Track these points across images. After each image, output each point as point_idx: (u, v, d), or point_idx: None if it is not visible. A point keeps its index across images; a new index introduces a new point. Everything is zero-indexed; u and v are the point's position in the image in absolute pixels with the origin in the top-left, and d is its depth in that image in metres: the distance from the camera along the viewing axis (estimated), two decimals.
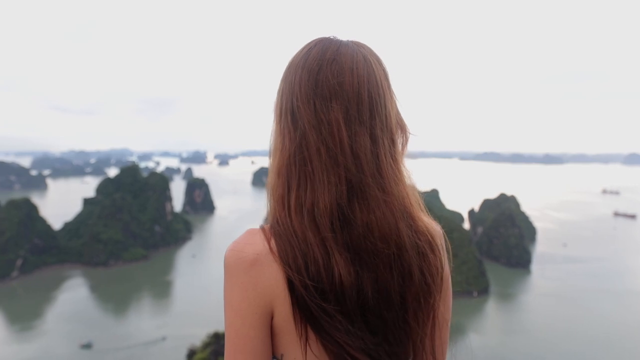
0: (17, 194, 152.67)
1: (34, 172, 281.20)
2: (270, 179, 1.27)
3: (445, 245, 1.36)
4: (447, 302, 1.36)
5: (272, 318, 1.18)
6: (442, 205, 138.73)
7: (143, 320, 78.72)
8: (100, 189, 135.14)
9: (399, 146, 1.29)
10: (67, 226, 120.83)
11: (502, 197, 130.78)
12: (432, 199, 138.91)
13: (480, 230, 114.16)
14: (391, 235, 1.17)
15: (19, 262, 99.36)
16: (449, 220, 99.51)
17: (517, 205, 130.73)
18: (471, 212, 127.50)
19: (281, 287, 1.14)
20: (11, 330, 75.16)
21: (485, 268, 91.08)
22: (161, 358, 63.70)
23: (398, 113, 1.31)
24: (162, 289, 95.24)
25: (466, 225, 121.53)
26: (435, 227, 1.33)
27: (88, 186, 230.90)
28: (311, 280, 1.12)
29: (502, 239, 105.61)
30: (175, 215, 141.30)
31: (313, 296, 1.11)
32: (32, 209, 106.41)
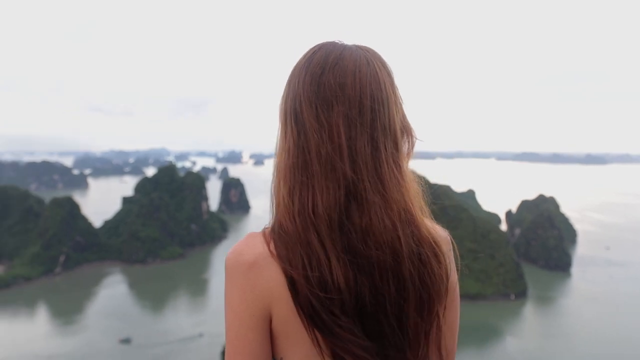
0: (60, 193, 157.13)
1: (75, 172, 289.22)
2: (274, 181, 1.27)
3: (454, 251, 1.33)
4: (454, 312, 1.33)
5: (270, 321, 1.18)
6: (478, 206, 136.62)
7: (180, 317, 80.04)
8: (138, 188, 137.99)
9: (404, 150, 1.28)
10: (107, 224, 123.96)
11: (541, 198, 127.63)
12: (468, 199, 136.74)
13: (517, 231, 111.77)
14: (387, 241, 1.16)
15: (61, 259, 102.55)
16: (486, 221, 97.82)
17: (556, 206, 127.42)
18: (509, 214, 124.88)
19: (280, 289, 1.14)
20: (55, 324, 77.67)
21: (523, 270, 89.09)
22: (198, 354, 64.77)
23: (404, 117, 1.30)
24: (198, 286, 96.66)
25: (503, 226, 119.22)
26: (441, 234, 1.30)
27: (127, 185, 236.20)
28: (313, 277, 1.12)
29: (540, 241, 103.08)
30: (211, 214, 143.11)
31: (315, 290, 1.12)
32: (74, 207, 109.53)
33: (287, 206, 1.20)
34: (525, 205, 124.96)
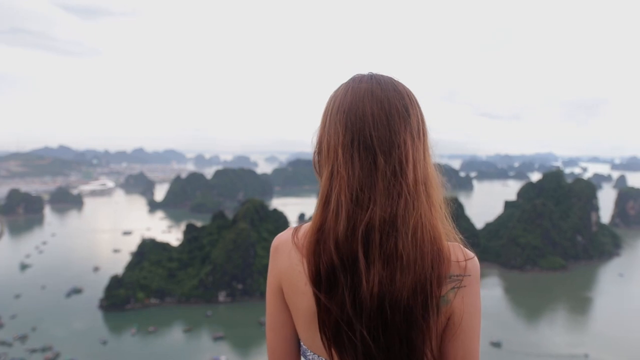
0: (447, 193, 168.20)
1: (462, 174, 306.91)
2: (332, 189, 1.38)
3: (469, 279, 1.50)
4: (460, 344, 1.42)
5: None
6: None
7: (555, 333, 75.26)
8: (521, 193, 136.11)
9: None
10: (488, 227, 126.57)
11: None
12: None
13: None
14: (431, 239, 1.39)
15: None
16: None
17: None
18: None
19: (287, 271, 1.45)
20: None
21: None
22: None
23: None
24: (579, 304, 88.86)
25: None
26: (455, 253, 1.51)
27: (510, 189, 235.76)
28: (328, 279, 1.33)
29: None
30: (601, 226, 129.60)
31: (315, 281, 1.33)
32: (459, 208, 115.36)
33: (339, 214, 1.33)
34: None
